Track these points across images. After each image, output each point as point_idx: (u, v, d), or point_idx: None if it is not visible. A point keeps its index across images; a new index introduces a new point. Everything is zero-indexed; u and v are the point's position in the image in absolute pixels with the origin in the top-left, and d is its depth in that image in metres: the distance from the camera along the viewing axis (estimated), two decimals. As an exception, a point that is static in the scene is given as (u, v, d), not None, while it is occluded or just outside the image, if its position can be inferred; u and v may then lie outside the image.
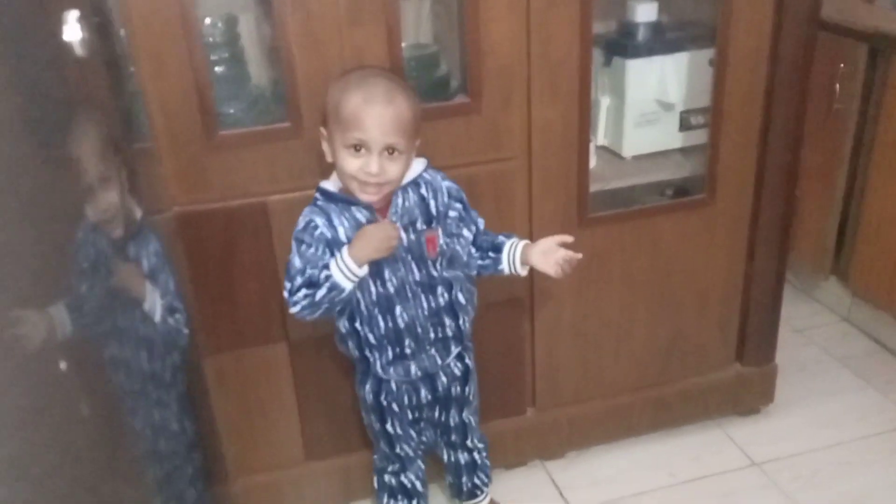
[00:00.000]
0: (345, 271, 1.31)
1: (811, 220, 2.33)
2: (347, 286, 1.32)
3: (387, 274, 1.38)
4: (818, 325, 2.38)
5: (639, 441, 1.92)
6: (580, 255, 1.45)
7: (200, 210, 1.43)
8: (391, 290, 1.39)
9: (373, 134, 1.28)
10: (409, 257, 1.39)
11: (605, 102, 1.86)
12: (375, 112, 1.27)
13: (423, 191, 1.40)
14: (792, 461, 1.86)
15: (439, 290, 1.44)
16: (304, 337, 1.58)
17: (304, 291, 1.32)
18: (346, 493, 1.76)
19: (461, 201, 1.44)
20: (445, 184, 1.42)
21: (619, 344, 1.82)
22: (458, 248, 1.45)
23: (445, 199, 1.42)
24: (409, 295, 1.41)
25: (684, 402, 1.92)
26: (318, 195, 1.36)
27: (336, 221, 1.34)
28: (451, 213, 1.43)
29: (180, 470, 0.92)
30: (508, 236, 1.48)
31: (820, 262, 2.36)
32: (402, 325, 1.42)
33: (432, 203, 1.41)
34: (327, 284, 1.31)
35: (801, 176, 1.86)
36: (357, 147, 1.28)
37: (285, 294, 1.33)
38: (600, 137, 1.88)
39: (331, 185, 1.36)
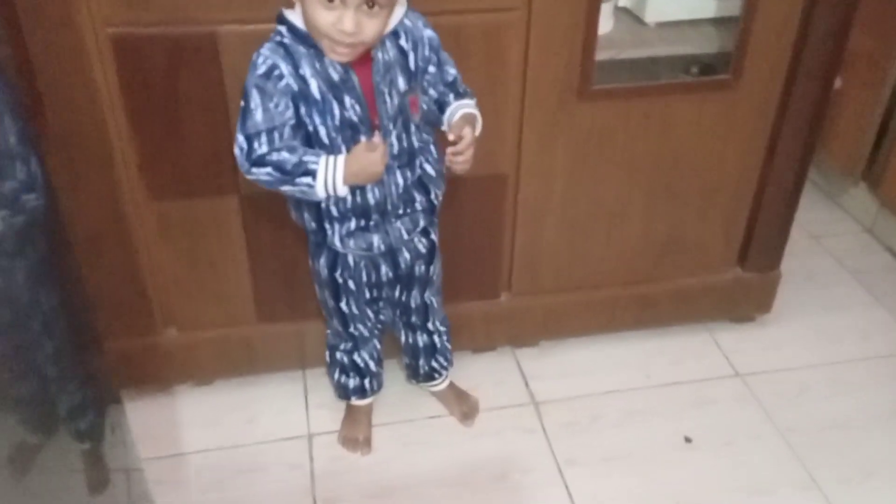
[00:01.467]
0: (328, 187, 1.15)
1: (849, 116, 2.08)
2: (321, 195, 1.16)
3: (364, 137, 1.19)
4: (837, 234, 2.19)
5: (619, 337, 1.80)
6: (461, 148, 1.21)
7: (138, 34, 1.24)
8: None
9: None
10: (391, 126, 1.21)
11: (632, -44, 1.59)
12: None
13: (403, 41, 1.19)
14: (778, 376, 1.74)
15: (417, 161, 1.27)
16: (257, 192, 1.41)
17: (267, 170, 1.15)
18: (301, 359, 1.66)
19: (440, 51, 1.24)
20: (427, 33, 1.21)
21: (610, 233, 1.65)
22: (424, 105, 1.26)
23: (426, 51, 1.22)
24: (385, 170, 1.22)
25: (674, 303, 1.77)
26: (282, 29, 1.14)
27: (307, 70, 1.13)
28: (430, 69, 1.24)
29: (33, 344, 0.81)
30: (456, 97, 1.27)
31: (851, 165, 2.14)
32: (371, 201, 1.25)
33: (412, 56, 1.20)
34: (301, 187, 1.15)
35: (844, 64, 1.62)
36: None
37: (237, 153, 1.15)
38: (622, -2, 1.63)
39: (298, 19, 1.14)
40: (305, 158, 1.15)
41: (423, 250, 1.39)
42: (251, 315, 1.58)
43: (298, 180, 1.15)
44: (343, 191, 1.16)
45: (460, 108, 1.26)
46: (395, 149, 1.23)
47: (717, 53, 1.56)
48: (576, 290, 1.71)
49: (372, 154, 1.14)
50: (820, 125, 1.60)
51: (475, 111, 1.27)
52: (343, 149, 1.20)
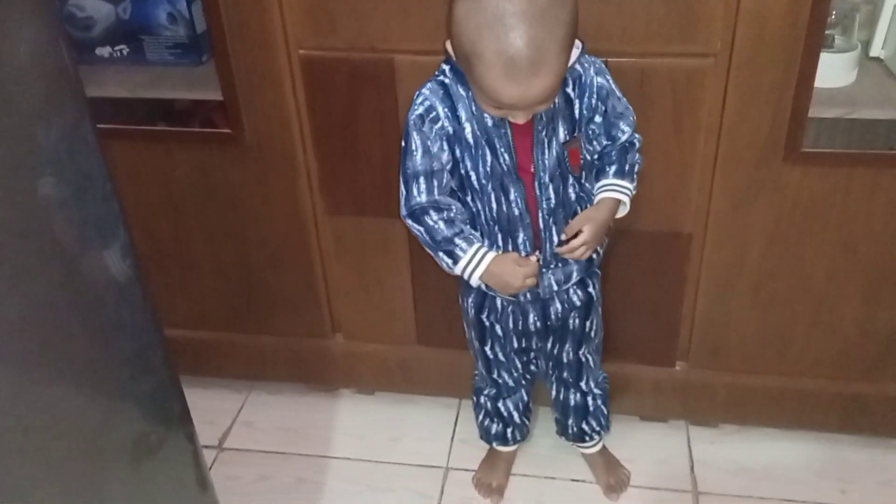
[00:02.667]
0: (465, 273, 1.16)
1: None
2: (457, 273, 1.17)
3: (512, 195, 1.15)
4: None
5: (819, 439, 1.53)
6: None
7: (326, 57, 1.29)
8: (517, 212, 1.16)
9: (518, 106, 1.02)
10: (547, 178, 1.14)
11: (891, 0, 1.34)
12: (518, 92, 0.98)
13: (570, 89, 1.11)
14: None
15: (577, 209, 1.19)
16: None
17: (419, 229, 1.17)
18: (457, 387, 1.64)
19: (610, 101, 1.13)
20: (597, 80, 1.12)
21: (818, 318, 1.41)
22: (588, 156, 1.17)
23: (593, 100, 1.12)
24: (541, 221, 1.17)
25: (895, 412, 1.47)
26: (445, 68, 1.12)
27: (463, 114, 1.11)
28: (596, 119, 1.14)
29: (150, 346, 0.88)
30: (614, 170, 1.16)
31: None
32: (523, 253, 1.19)
33: (577, 105, 1.12)
34: (441, 260, 1.17)
35: None
36: (499, 106, 1.03)
37: (401, 196, 1.17)
38: (875, 48, 1.38)
39: None
40: (457, 241, 1.15)
41: (577, 303, 1.29)
42: (411, 336, 1.59)
43: (441, 255, 1.17)
44: (476, 283, 1.17)
45: (603, 191, 1.16)
46: (553, 202, 1.16)
47: None
48: (769, 374, 1.49)
49: (519, 269, 1.15)
50: None
51: (621, 196, 1.16)
52: (493, 197, 1.15)
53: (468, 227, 1.18)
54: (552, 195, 1.15)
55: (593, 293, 1.30)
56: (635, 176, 1.18)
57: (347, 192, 1.43)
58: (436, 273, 1.48)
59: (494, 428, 1.47)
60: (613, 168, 1.16)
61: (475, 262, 1.15)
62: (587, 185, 1.19)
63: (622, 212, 1.19)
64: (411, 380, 1.65)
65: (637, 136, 1.18)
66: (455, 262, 1.16)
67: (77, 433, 0.80)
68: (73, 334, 0.78)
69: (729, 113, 1.23)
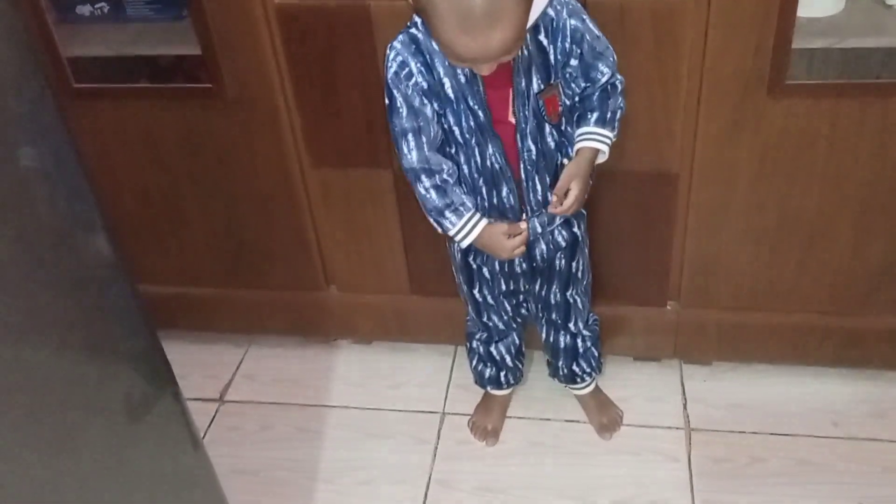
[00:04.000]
0: (456, 240, 1.19)
1: None
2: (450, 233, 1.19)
3: (490, 149, 1.15)
4: None
5: (811, 373, 1.54)
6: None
7: (301, 6, 1.28)
8: (498, 167, 1.16)
9: (478, 60, 1.00)
10: (527, 128, 1.13)
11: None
12: (476, 45, 0.95)
13: (543, 37, 1.09)
14: None
15: (556, 161, 1.18)
16: (410, 167, 1.42)
17: (415, 189, 1.18)
18: (453, 335, 1.65)
19: (586, 43, 1.11)
20: (571, 23, 1.09)
21: (809, 253, 1.40)
22: (567, 101, 1.16)
23: (567, 44, 1.10)
24: (523, 172, 1.18)
25: (888, 345, 1.48)
26: (417, 21, 1.09)
27: (441, 68, 1.09)
28: (572, 62, 1.12)
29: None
30: (595, 118, 1.15)
31: None
32: (507, 205, 1.20)
33: (551, 50, 1.10)
34: (434, 223, 1.20)
35: None
36: (460, 58, 1.01)
37: (400, 159, 1.17)
38: (866, -28, 1.34)
39: None
40: (447, 214, 1.17)
41: (562, 243, 1.29)
42: (404, 286, 1.60)
43: (433, 219, 1.19)
44: (466, 243, 1.20)
45: (583, 140, 1.15)
46: (533, 152, 1.16)
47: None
48: (761, 310, 1.49)
49: (507, 241, 1.17)
50: None
51: (601, 145, 1.16)
52: (476, 151, 1.15)
53: (459, 190, 1.18)
54: (531, 146, 1.15)
55: (578, 233, 1.30)
56: (617, 123, 1.17)
57: (331, 144, 1.43)
58: (424, 222, 1.47)
59: (488, 372, 1.49)
60: (595, 115, 1.15)
61: (464, 232, 1.18)
62: (568, 129, 1.18)
63: (601, 159, 1.18)
64: (407, 328, 1.67)
65: (619, 77, 1.16)
66: (444, 231, 1.19)
67: (64, 396, 0.81)
68: (55, 300, 0.79)
69: (711, 48, 1.21)
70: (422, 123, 1.13)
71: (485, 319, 1.41)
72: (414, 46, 1.09)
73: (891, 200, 1.31)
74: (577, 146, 1.16)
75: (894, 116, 1.23)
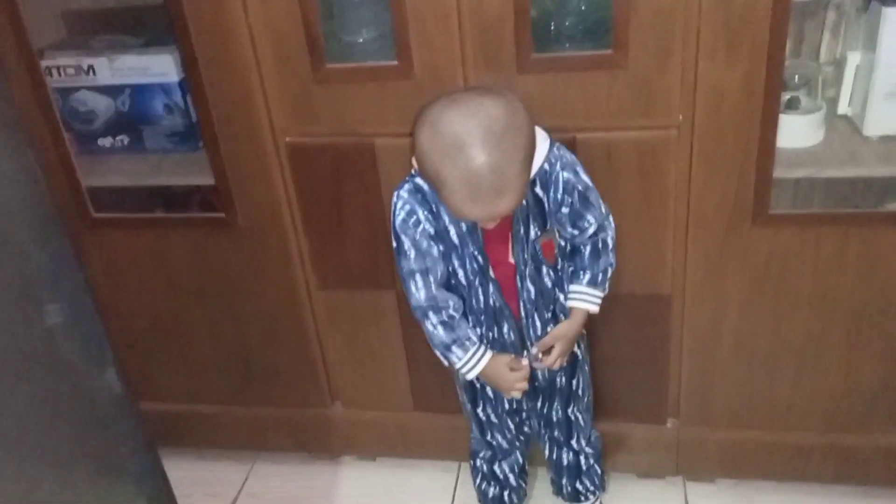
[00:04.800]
0: (462, 373, 1.25)
1: None
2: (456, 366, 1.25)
3: (491, 290, 1.22)
4: None
5: (815, 490, 1.54)
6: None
7: (310, 143, 1.36)
8: (497, 305, 1.24)
9: (483, 222, 1.12)
10: (527, 270, 1.20)
11: (853, 60, 1.38)
12: (483, 212, 1.04)
13: (539, 188, 1.16)
14: None
15: (554, 298, 1.25)
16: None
17: (429, 328, 1.24)
18: (456, 451, 1.67)
19: (577, 193, 1.17)
20: (564, 175, 1.16)
21: (801, 374, 1.43)
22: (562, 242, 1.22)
23: (559, 194, 1.17)
24: (522, 311, 1.25)
25: (887, 464, 1.48)
26: (414, 172, 1.17)
27: (444, 214, 1.17)
28: (563, 210, 1.19)
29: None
30: (587, 279, 1.23)
31: None
32: (507, 339, 1.27)
33: (545, 200, 1.18)
34: (440, 354, 1.26)
35: None
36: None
37: (409, 298, 1.23)
38: (842, 105, 1.42)
39: None
40: (454, 349, 1.23)
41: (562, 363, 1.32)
42: (408, 402, 1.63)
43: (440, 353, 1.25)
44: (472, 375, 1.25)
45: (575, 300, 1.24)
46: (532, 292, 1.22)
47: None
48: (758, 428, 1.51)
49: (510, 375, 1.23)
50: None
51: (592, 307, 1.24)
52: (480, 291, 1.22)
53: (465, 324, 1.23)
54: (530, 286, 1.22)
55: (578, 353, 1.34)
56: (607, 282, 1.25)
57: (337, 268, 1.49)
58: (427, 342, 1.53)
59: (491, 491, 1.50)
60: (587, 276, 1.22)
61: (470, 365, 1.24)
62: (565, 264, 1.24)
63: (593, 309, 1.26)
64: (410, 445, 1.68)
65: (610, 230, 1.22)
66: (451, 364, 1.25)
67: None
68: (65, 427, 0.83)
69: (695, 181, 1.28)
70: (429, 264, 1.19)
71: (489, 438, 1.43)
72: (420, 195, 1.16)
73: (879, 322, 1.35)
74: (569, 304, 1.24)
75: (877, 243, 1.28)
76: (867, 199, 1.38)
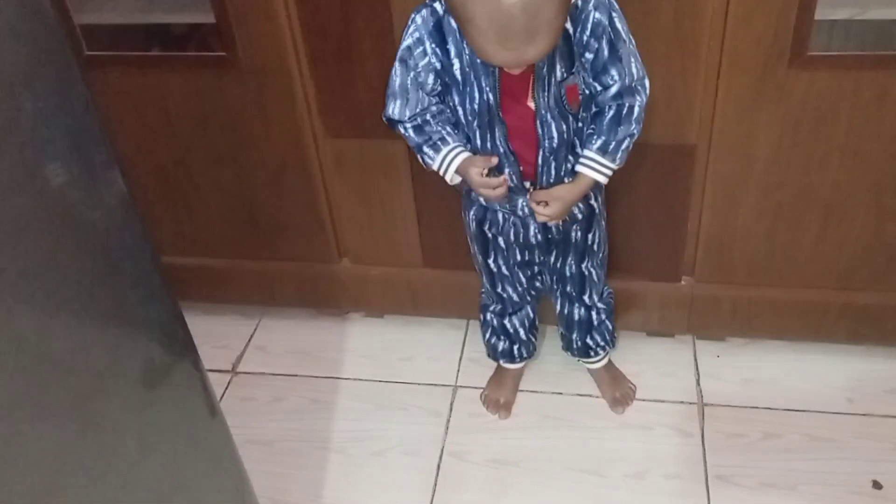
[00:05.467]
0: (440, 171, 1.17)
1: None
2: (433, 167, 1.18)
3: (497, 134, 1.15)
4: None
5: (825, 350, 1.54)
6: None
7: (317, -26, 1.27)
8: (500, 150, 1.17)
9: (511, 67, 1.03)
10: (549, 116, 1.12)
11: None
12: (512, 57, 0.96)
13: (568, 24, 1.06)
14: None
15: (576, 148, 1.18)
16: (425, 138, 1.41)
17: (401, 131, 1.18)
18: (465, 308, 1.65)
19: (605, 41, 1.07)
20: (595, 16, 1.06)
21: (826, 228, 1.39)
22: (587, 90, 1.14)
23: (586, 36, 1.07)
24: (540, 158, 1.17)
25: (905, 322, 1.46)
26: None
27: (453, 48, 1.09)
28: (587, 55, 1.09)
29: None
30: (599, 144, 1.14)
31: None
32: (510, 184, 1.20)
33: (573, 38, 1.08)
34: (421, 157, 1.19)
35: None
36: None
37: (384, 114, 1.18)
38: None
39: None
40: (425, 149, 1.17)
41: (578, 215, 1.28)
42: (417, 259, 1.60)
43: (419, 155, 1.19)
44: (456, 180, 1.18)
45: (583, 167, 1.16)
46: (556, 141, 1.14)
47: None
48: (775, 286, 1.48)
49: (479, 178, 1.15)
50: None
51: (600, 177, 1.16)
52: (478, 134, 1.16)
53: (440, 125, 1.16)
54: (555, 134, 1.14)
55: (595, 206, 1.29)
56: (622, 152, 1.15)
57: (346, 115, 1.42)
58: (438, 193, 1.48)
59: (501, 345, 1.49)
60: (600, 141, 1.13)
61: (444, 167, 1.17)
62: (587, 115, 1.16)
63: (602, 178, 1.18)
64: (419, 302, 1.66)
65: (639, 98, 1.12)
66: (427, 167, 1.19)
67: (85, 362, 0.81)
68: (78, 268, 0.79)
69: (732, 17, 1.19)
70: (410, 97, 1.15)
71: (499, 290, 1.40)
72: (433, 22, 1.09)
73: (912, 175, 1.30)
74: (578, 168, 1.16)
75: (918, 89, 1.21)
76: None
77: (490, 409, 1.52)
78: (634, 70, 1.11)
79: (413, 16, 1.10)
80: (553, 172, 1.18)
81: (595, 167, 1.15)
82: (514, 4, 0.90)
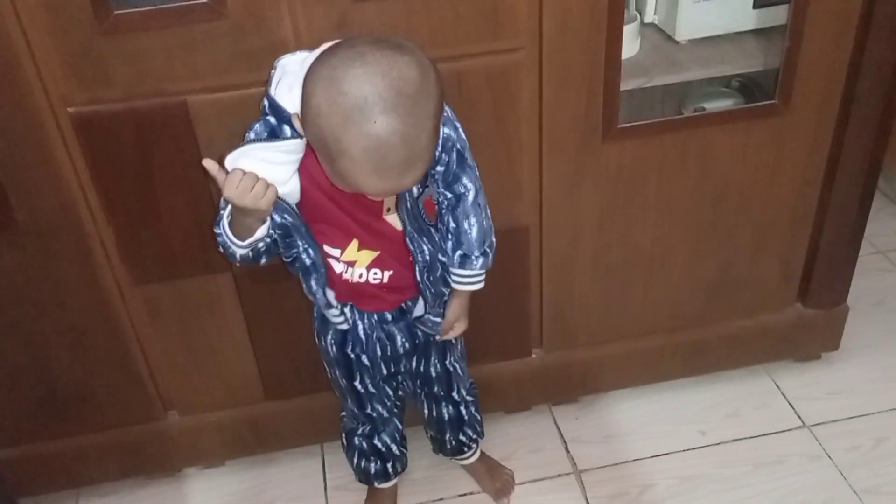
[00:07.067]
0: (229, 237, 1.00)
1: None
2: (237, 252, 1.01)
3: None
4: (908, 248, 1.98)
5: (668, 388, 1.62)
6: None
7: (102, 112, 1.11)
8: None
9: (382, 197, 0.99)
10: (413, 230, 1.07)
11: (657, -33, 1.41)
12: (387, 187, 0.91)
13: None
14: (850, 425, 1.54)
15: (439, 257, 1.14)
16: (253, 267, 1.28)
17: (215, 232, 1.03)
18: (316, 433, 1.53)
19: (454, 152, 1.06)
20: (444, 131, 1.04)
21: (650, 279, 1.47)
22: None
23: (437, 150, 1.04)
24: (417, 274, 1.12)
25: (727, 347, 1.59)
26: (266, 105, 1.00)
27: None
28: (438, 168, 1.07)
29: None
30: (462, 260, 1.14)
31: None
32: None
33: None
34: (220, 244, 1.01)
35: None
36: None
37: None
38: (648, 13, 1.44)
39: (286, 94, 0.96)
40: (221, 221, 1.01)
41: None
42: (258, 393, 1.45)
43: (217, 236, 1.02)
44: (242, 240, 1.00)
45: (461, 284, 1.17)
46: (427, 254, 1.11)
47: (761, 71, 1.38)
48: (615, 341, 1.54)
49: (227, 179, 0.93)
50: (886, 139, 1.40)
51: (474, 286, 1.17)
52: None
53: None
54: (424, 248, 1.10)
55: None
56: (491, 251, 1.16)
57: (155, 257, 1.26)
58: (275, 322, 1.37)
59: (373, 467, 1.38)
60: (457, 258, 1.13)
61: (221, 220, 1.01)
62: (440, 225, 1.13)
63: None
64: (265, 438, 1.51)
65: (481, 193, 1.13)
66: (228, 245, 1.01)
67: None
68: None
69: (547, 101, 1.23)
70: None
71: (368, 411, 1.31)
72: (266, 135, 0.99)
73: (715, 218, 1.41)
74: (455, 286, 1.17)
75: (711, 141, 1.32)
76: (691, 101, 1.43)
77: (374, 536, 1.41)
78: (476, 171, 1.11)
79: (247, 133, 1.00)
80: (429, 292, 1.15)
81: (475, 281, 1.16)
82: (393, 134, 0.84)
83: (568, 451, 1.53)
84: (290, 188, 0.99)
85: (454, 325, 1.22)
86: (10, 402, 1.35)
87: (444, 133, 1.03)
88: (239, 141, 0.98)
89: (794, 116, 1.32)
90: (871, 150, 1.37)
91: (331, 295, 1.12)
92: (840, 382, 1.62)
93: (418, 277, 1.11)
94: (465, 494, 1.46)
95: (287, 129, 0.98)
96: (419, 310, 1.19)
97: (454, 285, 1.16)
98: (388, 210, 1.06)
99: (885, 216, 2.07)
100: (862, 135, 1.36)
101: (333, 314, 1.15)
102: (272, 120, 0.98)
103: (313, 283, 1.11)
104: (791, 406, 1.58)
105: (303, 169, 0.99)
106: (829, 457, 1.48)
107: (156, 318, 1.32)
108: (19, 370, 1.32)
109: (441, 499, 1.46)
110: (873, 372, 1.64)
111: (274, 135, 0.98)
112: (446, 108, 1.04)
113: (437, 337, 1.22)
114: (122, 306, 1.30)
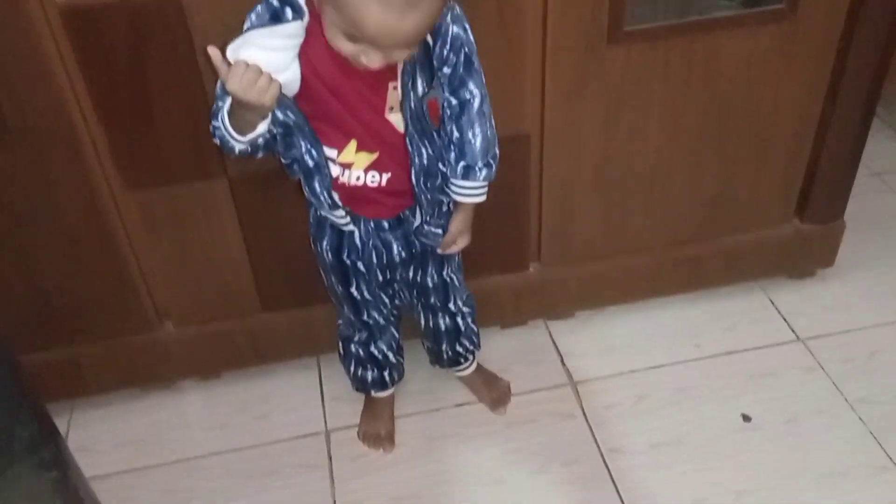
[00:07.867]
0: (228, 131, 0.97)
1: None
2: (235, 147, 0.98)
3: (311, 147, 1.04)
4: (904, 170, 1.97)
5: (664, 303, 1.62)
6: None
7: (93, 4, 1.06)
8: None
9: (379, 43, 0.88)
10: (415, 132, 1.04)
11: None
12: (388, 22, 0.85)
13: (428, 36, 0.99)
14: (845, 338, 1.56)
15: (439, 166, 1.11)
16: (248, 172, 1.26)
17: (212, 126, 0.99)
18: (313, 345, 1.52)
19: (462, 53, 1.03)
20: (454, 29, 1.00)
21: (651, 193, 1.46)
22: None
23: (446, 50, 1.01)
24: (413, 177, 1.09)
25: (724, 263, 1.59)
26: None
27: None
28: (444, 69, 1.03)
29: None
30: (465, 171, 1.11)
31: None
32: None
33: (432, 52, 1.01)
34: (216, 137, 0.99)
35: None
36: (354, 37, 0.89)
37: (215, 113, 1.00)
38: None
39: None
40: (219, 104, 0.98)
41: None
42: (254, 305, 1.44)
43: (213, 131, 0.99)
44: (243, 135, 0.97)
45: (463, 196, 1.14)
46: (425, 158, 1.07)
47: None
48: (613, 256, 1.54)
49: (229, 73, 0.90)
50: (891, 53, 1.38)
51: (481, 198, 1.15)
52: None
53: None
54: (423, 151, 1.07)
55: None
56: (494, 161, 1.14)
57: (148, 161, 1.22)
58: (271, 230, 1.35)
59: (370, 375, 1.38)
60: (459, 168, 1.11)
61: (221, 114, 0.97)
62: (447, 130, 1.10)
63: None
64: (262, 350, 1.50)
65: (487, 101, 1.09)
66: (225, 138, 0.98)
67: None
68: None
69: (553, 1, 1.19)
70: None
71: (364, 318, 1.30)
72: (268, 17, 0.95)
73: (718, 131, 1.40)
74: (456, 199, 1.15)
75: (717, 48, 1.29)
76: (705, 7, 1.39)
77: (371, 445, 1.41)
78: (482, 77, 1.07)
79: (249, 14, 0.96)
80: (426, 199, 1.12)
81: (478, 193, 1.15)
82: None
83: (564, 364, 1.54)
84: (290, 76, 0.95)
85: (457, 239, 1.20)
86: (3, 312, 1.32)
87: (453, 31, 1.00)
88: (235, 36, 0.95)
89: (800, 24, 1.29)
90: (878, 57, 1.35)
91: (336, 196, 1.10)
92: (834, 298, 1.63)
93: (413, 181, 1.08)
94: (462, 404, 1.47)
95: (289, 12, 0.94)
96: (418, 219, 1.17)
97: (456, 197, 1.14)
98: (392, 109, 1.03)
99: (881, 139, 2.06)
100: (867, 47, 1.33)
101: (339, 215, 1.13)
102: (274, 1, 0.95)
103: (317, 184, 1.08)
104: (785, 321, 1.59)
105: (303, 57, 0.96)
106: (823, 368, 1.50)
107: (150, 225, 1.29)
108: (12, 279, 1.29)
109: (438, 409, 1.47)
110: (868, 288, 1.65)
111: (276, 18, 0.94)
112: (456, 6, 1.01)
113: (438, 250, 1.21)
114: (116, 213, 1.27)
